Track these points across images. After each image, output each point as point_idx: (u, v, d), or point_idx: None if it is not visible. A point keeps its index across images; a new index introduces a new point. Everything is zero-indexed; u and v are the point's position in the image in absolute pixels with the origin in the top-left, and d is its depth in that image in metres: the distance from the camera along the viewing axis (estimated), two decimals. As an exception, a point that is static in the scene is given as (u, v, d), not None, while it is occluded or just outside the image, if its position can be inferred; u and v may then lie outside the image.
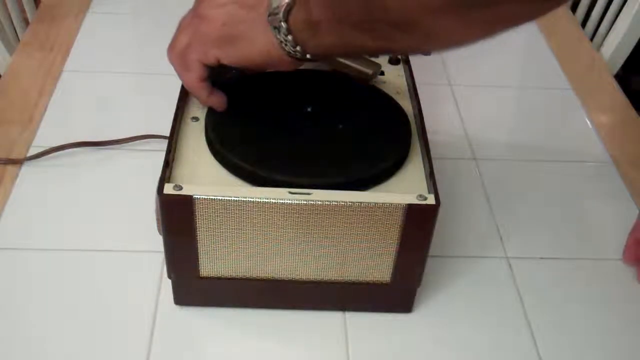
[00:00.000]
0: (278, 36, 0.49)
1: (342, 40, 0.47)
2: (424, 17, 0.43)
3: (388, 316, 0.59)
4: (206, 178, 0.53)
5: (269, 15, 0.48)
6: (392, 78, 0.65)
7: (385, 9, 0.43)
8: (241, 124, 0.56)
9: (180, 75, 0.56)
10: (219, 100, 0.57)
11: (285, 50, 0.49)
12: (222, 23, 0.51)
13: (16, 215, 0.66)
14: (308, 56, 0.50)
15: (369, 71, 0.61)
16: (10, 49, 0.95)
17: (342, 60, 0.62)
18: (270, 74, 0.63)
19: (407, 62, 0.66)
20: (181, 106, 0.58)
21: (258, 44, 0.50)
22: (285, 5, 0.47)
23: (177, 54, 0.55)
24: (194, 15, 0.53)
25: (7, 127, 0.76)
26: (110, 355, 0.55)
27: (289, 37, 0.48)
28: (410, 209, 0.50)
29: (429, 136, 0.57)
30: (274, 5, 0.48)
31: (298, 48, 0.49)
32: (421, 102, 0.60)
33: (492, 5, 0.42)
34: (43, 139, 0.75)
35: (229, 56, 0.52)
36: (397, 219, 0.51)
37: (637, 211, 0.71)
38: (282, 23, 0.48)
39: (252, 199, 0.50)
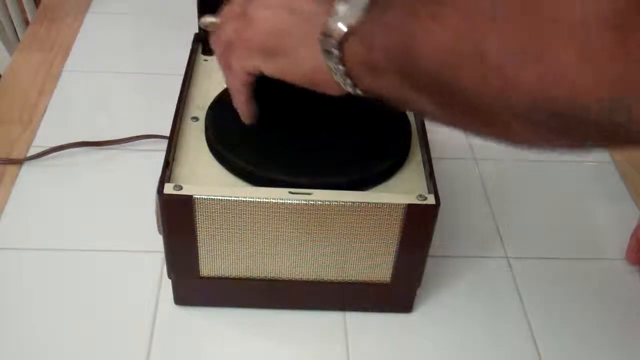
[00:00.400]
0: (328, 62, 0.42)
1: (403, 96, 0.40)
2: (505, 116, 0.34)
3: (388, 316, 0.59)
4: (206, 178, 0.53)
5: (322, 36, 0.41)
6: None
7: (462, 92, 0.35)
8: (241, 124, 0.56)
9: (222, 70, 0.51)
10: (250, 112, 0.53)
11: (333, 78, 0.42)
12: (268, 32, 0.45)
13: (16, 215, 0.66)
14: (359, 92, 0.43)
15: None
16: (10, 49, 0.95)
17: None
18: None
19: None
20: (181, 106, 0.58)
21: (304, 64, 0.44)
22: (341, 32, 0.40)
23: (220, 49, 0.49)
24: (242, 13, 0.47)
25: (7, 127, 0.76)
26: (110, 355, 0.55)
27: (340, 67, 0.41)
28: (410, 209, 0.50)
29: (429, 136, 0.57)
30: (330, 26, 0.40)
31: (349, 81, 0.42)
32: (421, 102, 0.60)
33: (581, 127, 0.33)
34: (43, 139, 0.75)
35: (271, 69, 0.46)
36: (397, 219, 0.51)
37: (638, 211, 0.71)
38: (335, 50, 0.40)
39: (252, 199, 0.50)
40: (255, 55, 0.46)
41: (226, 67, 0.50)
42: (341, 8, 0.40)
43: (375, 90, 0.42)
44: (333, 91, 0.44)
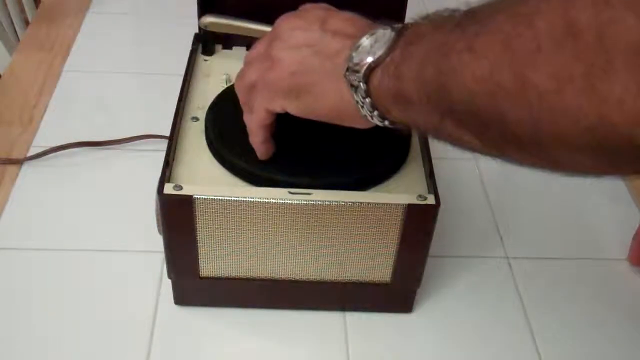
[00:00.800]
0: (355, 96, 0.42)
1: (438, 127, 0.39)
2: (552, 146, 0.33)
3: (388, 316, 0.59)
4: (206, 178, 0.53)
5: (347, 71, 0.41)
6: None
7: (505, 124, 0.34)
8: (241, 124, 0.56)
9: (243, 110, 0.51)
10: (267, 150, 0.52)
11: (361, 112, 0.42)
12: (292, 72, 0.45)
13: (16, 215, 0.66)
14: (387, 123, 0.42)
15: None
16: (10, 49, 0.95)
17: None
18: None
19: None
20: (181, 106, 0.58)
21: (330, 100, 0.44)
22: (367, 64, 0.40)
23: (244, 91, 0.50)
24: (266, 55, 0.47)
25: (7, 127, 0.76)
26: (110, 355, 0.55)
27: (367, 100, 0.41)
28: (410, 209, 0.50)
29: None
30: (355, 59, 0.41)
31: (376, 113, 0.42)
32: (421, 102, 0.60)
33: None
34: (43, 139, 0.75)
35: (296, 108, 0.46)
36: (397, 219, 0.51)
37: (638, 211, 0.71)
38: (361, 83, 0.41)
39: (252, 199, 0.50)
40: (280, 96, 0.46)
41: (246, 108, 0.50)
42: (365, 42, 0.41)
43: (407, 121, 0.41)
44: (360, 125, 0.45)
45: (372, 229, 0.52)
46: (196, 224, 0.51)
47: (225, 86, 0.61)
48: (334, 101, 0.44)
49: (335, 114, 0.45)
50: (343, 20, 0.45)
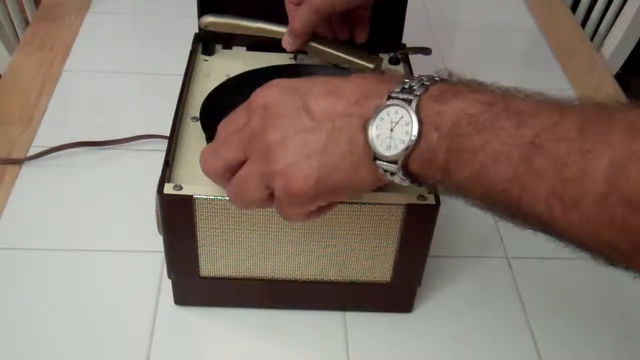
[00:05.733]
0: (390, 177, 0.39)
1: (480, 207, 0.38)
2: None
3: (388, 316, 0.59)
4: (206, 178, 0.52)
5: (376, 160, 0.39)
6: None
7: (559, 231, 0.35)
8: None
9: (230, 194, 0.45)
10: None
11: (394, 183, 0.40)
12: (316, 180, 0.40)
13: (16, 215, 0.66)
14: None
15: (371, 65, 0.61)
16: (10, 49, 0.95)
17: (341, 54, 0.62)
18: (271, 73, 0.63)
19: (407, 62, 0.66)
20: (181, 106, 0.58)
21: (366, 186, 0.41)
22: (401, 161, 0.38)
23: (236, 188, 0.44)
24: (266, 171, 0.41)
25: (7, 127, 0.76)
26: (110, 355, 0.55)
27: (408, 180, 0.39)
28: (410, 209, 0.50)
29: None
30: (380, 150, 0.38)
31: (413, 183, 0.40)
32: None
33: None
34: (43, 139, 0.75)
35: (330, 203, 0.44)
36: (397, 219, 0.51)
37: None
38: (399, 172, 0.38)
39: (252, 199, 0.50)
40: (312, 203, 0.42)
41: (235, 196, 0.45)
42: (375, 129, 0.38)
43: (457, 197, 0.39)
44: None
45: (372, 229, 0.52)
46: (196, 224, 0.51)
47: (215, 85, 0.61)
48: (371, 183, 0.41)
49: (368, 190, 0.43)
50: (323, 97, 0.41)
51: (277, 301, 0.58)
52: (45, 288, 0.59)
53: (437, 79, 0.39)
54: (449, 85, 0.38)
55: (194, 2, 0.64)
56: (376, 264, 0.54)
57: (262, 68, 0.64)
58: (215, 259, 0.54)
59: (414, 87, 0.38)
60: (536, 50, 0.99)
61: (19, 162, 0.71)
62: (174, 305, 0.58)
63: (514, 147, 0.34)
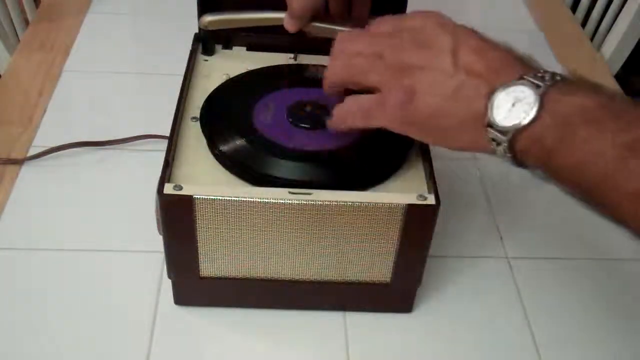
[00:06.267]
0: (494, 147, 0.43)
1: (574, 194, 0.42)
2: None
3: (388, 316, 0.59)
4: (206, 178, 0.53)
5: (489, 126, 0.42)
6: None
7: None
8: (241, 124, 0.56)
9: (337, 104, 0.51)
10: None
11: (496, 154, 0.43)
12: (430, 114, 0.45)
13: (16, 215, 0.66)
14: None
15: None
16: (10, 49, 0.95)
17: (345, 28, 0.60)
18: (271, 74, 0.63)
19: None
20: (181, 106, 0.58)
21: (462, 142, 0.45)
22: (512, 133, 0.41)
23: (359, 104, 0.49)
24: (402, 84, 0.45)
25: (7, 127, 0.76)
26: (110, 355, 0.55)
27: (509, 155, 0.42)
28: (410, 209, 0.50)
29: (429, 136, 0.57)
30: (496, 119, 0.41)
31: (512, 161, 0.43)
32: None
33: None
34: (43, 139, 0.75)
35: (422, 139, 0.48)
36: (397, 219, 0.51)
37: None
38: (505, 144, 0.42)
39: (252, 199, 0.50)
40: (411, 129, 0.47)
41: (350, 115, 0.50)
42: (503, 99, 0.41)
43: (548, 179, 0.43)
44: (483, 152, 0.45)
45: (372, 229, 0.52)
46: (196, 224, 0.51)
47: (218, 84, 0.61)
48: (469, 143, 0.45)
49: (466, 150, 0.46)
50: (473, 51, 0.44)
51: (277, 301, 0.58)
52: (45, 288, 0.59)
53: (567, 78, 0.42)
54: (574, 82, 0.42)
55: (194, 2, 0.64)
56: (376, 264, 0.54)
57: (262, 68, 0.64)
58: (215, 259, 0.54)
59: (546, 78, 0.41)
60: (536, 50, 0.98)
61: (19, 162, 0.71)
62: (174, 305, 0.58)
63: (613, 147, 0.38)
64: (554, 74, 0.42)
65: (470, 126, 0.43)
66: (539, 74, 0.41)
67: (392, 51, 0.46)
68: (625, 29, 1.02)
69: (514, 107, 0.41)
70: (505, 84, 0.42)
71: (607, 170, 0.38)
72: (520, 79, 0.41)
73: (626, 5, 1.04)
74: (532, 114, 0.40)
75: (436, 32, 0.46)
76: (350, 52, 0.49)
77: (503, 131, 0.41)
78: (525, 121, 0.40)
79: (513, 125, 0.41)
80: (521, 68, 0.43)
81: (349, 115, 0.50)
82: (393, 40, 0.47)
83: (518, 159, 0.42)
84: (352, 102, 0.50)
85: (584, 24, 1.14)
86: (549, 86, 0.40)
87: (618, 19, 1.05)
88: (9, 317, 0.57)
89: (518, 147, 0.41)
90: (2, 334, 0.56)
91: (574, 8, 1.16)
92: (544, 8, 1.08)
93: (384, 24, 0.49)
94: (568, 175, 0.40)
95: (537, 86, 0.41)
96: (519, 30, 1.03)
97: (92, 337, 0.56)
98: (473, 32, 0.45)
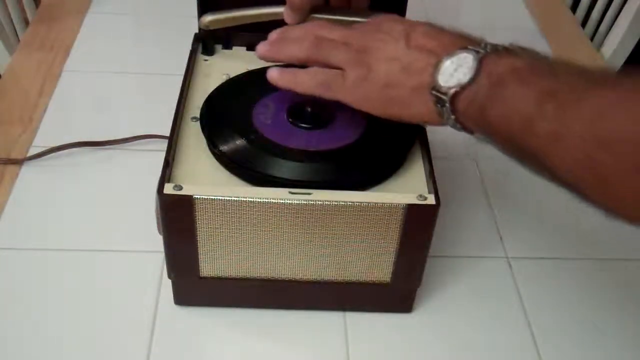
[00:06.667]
0: (439, 109, 0.46)
1: (516, 156, 0.45)
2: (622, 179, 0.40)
3: (388, 316, 0.59)
4: (206, 178, 0.53)
5: (433, 89, 0.46)
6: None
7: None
8: (241, 124, 0.56)
9: (304, 75, 0.53)
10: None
11: (442, 119, 0.47)
12: (385, 84, 0.49)
13: (16, 215, 0.66)
14: (465, 131, 0.47)
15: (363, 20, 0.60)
16: (10, 49, 0.95)
17: (346, 17, 0.60)
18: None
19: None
20: (181, 106, 0.58)
21: (415, 109, 0.49)
22: (453, 92, 0.45)
23: (318, 55, 0.53)
24: (360, 58, 0.51)
25: (7, 127, 0.76)
26: (110, 355, 0.55)
27: (452, 116, 0.46)
28: (410, 209, 0.50)
29: (429, 136, 0.57)
30: (440, 81, 0.46)
31: (458, 126, 0.47)
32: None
33: None
34: (43, 139, 0.75)
35: (378, 113, 0.51)
36: (397, 219, 0.51)
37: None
38: (447, 104, 0.45)
39: (252, 199, 0.50)
40: (368, 105, 0.51)
41: (316, 83, 0.53)
42: (448, 64, 0.46)
43: (485, 137, 0.46)
44: (435, 125, 0.49)
45: (372, 229, 0.52)
46: (196, 224, 0.51)
47: (218, 84, 0.61)
48: (419, 110, 0.48)
49: (418, 119, 0.50)
50: (423, 35, 0.49)
51: (277, 301, 0.58)
52: (45, 288, 0.59)
53: (509, 48, 0.46)
54: (513, 49, 0.46)
55: (194, 2, 0.64)
56: (376, 264, 0.54)
57: (262, 68, 0.64)
58: (215, 259, 0.54)
59: (488, 47, 0.45)
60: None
61: (19, 162, 0.71)
62: (174, 305, 0.58)
63: (535, 96, 0.41)
64: (496, 45, 0.45)
65: (420, 93, 0.47)
66: (482, 45, 0.45)
67: (357, 39, 0.52)
68: (625, 29, 1.02)
69: (455, 71, 0.45)
70: (451, 52, 0.46)
71: (527, 116, 0.41)
72: (464, 48, 0.46)
73: (626, 5, 1.04)
74: (470, 74, 0.44)
75: (394, 24, 0.51)
76: (323, 37, 0.53)
77: (445, 92, 0.45)
78: (464, 81, 0.44)
79: (454, 85, 0.45)
80: (468, 42, 0.46)
81: (306, 80, 0.53)
82: (359, 32, 0.53)
83: (461, 121, 0.46)
84: (315, 71, 0.53)
85: (584, 24, 1.14)
86: (489, 53, 0.45)
87: (618, 19, 1.05)
88: (8, 317, 0.57)
89: (459, 107, 0.45)
90: (2, 334, 0.56)
91: (574, 8, 1.16)
92: (543, 8, 1.08)
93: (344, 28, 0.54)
94: (497, 128, 0.44)
95: (478, 52, 0.45)
96: (519, 30, 1.03)
97: (92, 337, 0.56)
98: (427, 23, 0.50)
